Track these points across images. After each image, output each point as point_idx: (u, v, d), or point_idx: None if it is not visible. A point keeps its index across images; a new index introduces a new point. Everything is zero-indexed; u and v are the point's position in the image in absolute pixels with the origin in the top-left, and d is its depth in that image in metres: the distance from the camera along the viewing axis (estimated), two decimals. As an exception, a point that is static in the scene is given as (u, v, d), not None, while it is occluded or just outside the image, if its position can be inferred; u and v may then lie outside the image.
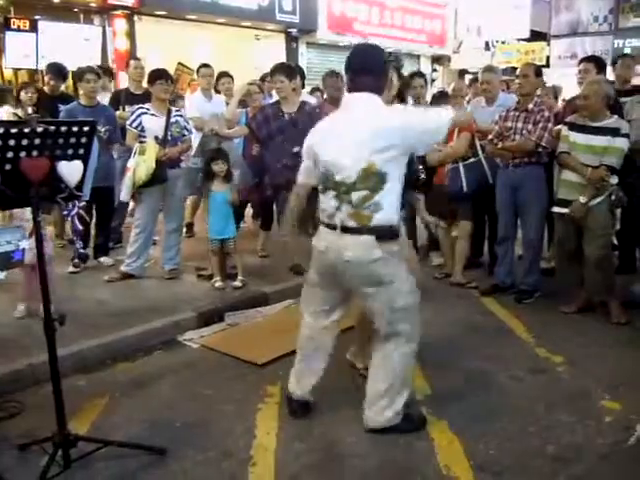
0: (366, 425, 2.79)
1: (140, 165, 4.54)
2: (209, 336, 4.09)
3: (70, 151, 2.32)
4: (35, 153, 2.22)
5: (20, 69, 9.48)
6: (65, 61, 7.24)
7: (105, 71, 6.77)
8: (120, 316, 4.16)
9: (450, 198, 5.04)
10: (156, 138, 4.74)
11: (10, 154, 2.15)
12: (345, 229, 2.58)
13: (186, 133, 5.04)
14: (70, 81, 9.89)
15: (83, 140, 2.34)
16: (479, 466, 2.55)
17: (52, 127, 2.21)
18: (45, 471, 2.37)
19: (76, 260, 5.21)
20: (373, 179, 2.48)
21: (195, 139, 5.33)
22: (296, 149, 4.89)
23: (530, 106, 4.46)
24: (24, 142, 2.16)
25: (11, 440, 2.78)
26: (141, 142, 4.71)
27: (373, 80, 2.59)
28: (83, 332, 3.76)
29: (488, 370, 3.48)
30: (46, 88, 6.23)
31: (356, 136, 2.51)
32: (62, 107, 5.58)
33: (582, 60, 4.95)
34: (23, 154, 2.19)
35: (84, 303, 4.37)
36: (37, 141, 2.20)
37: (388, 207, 2.54)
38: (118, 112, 5.82)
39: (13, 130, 2.12)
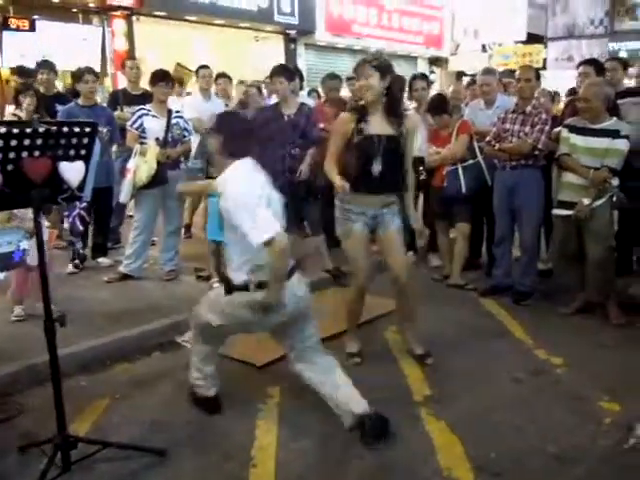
0: None
1: (141, 166, 4.54)
2: (208, 337, 4.08)
3: (72, 152, 2.32)
4: (37, 153, 2.22)
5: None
6: (64, 61, 7.29)
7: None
8: (119, 317, 4.16)
9: (448, 200, 5.05)
10: (157, 139, 4.74)
11: (12, 154, 2.15)
12: None
13: (186, 134, 5.04)
14: (69, 80, 9.98)
15: (85, 141, 2.34)
16: (479, 467, 2.55)
17: (54, 127, 2.21)
18: (44, 473, 2.37)
19: (76, 261, 5.21)
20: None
21: (195, 140, 5.31)
22: (295, 151, 4.92)
23: (528, 109, 4.47)
24: (26, 142, 2.16)
25: (11, 442, 2.77)
26: (141, 143, 4.71)
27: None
28: (82, 333, 3.75)
29: (487, 371, 3.49)
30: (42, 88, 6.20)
31: None
32: (59, 107, 5.58)
33: (581, 63, 4.97)
34: (25, 154, 2.19)
35: (83, 304, 4.36)
36: (39, 141, 2.20)
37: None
38: (116, 112, 5.82)
39: (15, 130, 2.11)
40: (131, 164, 4.65)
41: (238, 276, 2.67)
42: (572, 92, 7.50)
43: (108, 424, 2.95)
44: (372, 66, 3.31)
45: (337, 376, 2.84)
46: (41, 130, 2.17)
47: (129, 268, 4.98)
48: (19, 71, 6.61)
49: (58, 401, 2.44)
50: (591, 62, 4.95)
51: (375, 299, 4.04)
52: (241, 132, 2.80)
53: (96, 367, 3.58)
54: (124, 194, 4.68)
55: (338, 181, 3.32)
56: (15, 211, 3.56)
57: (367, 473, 2.55)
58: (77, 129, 2.29)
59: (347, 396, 2.78)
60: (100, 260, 5.40)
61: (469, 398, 3.17)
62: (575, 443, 2.74)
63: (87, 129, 2.32)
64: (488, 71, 5.46)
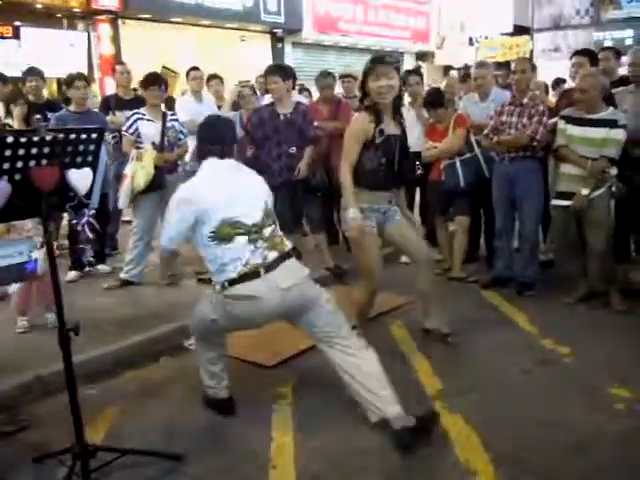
0: None
1: (138, 171, 4.51)
2: (214, 340, 4.07)
3: (79, 159, 2.30)
4: (44, 162, 2.20)
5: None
6: (50, 68, 7.21)
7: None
8: (124, 323, 4.13)
9: (447, 194, 5.06)
10: (153, 144, 4.71)
11: (20, 163, 2.13)
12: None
13: (182, 137, 5.02)
14: (54, 87, 9.89)
15: (91, 147, 2.32)
16: (498, 459, 2.56)
17: (61, 135, 2.19)
18: (65, 483, 2.35)
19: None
20: (272, 215, 2.94)
21: (191, 143, 5.28)
22: (292, 150, 4.92)
23: (525, 100, 4.49)
24: (33, 151, 2.14)
25: (24, 453, 2.75)
26: (138, 148, 4.68)
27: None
28: (88, 341, 3.70)
29: (496, 363, 3.51)
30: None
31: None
32: (50, 114, 5.53)
33: (575, 53, 4.98)
34: (32, 163, 2.17)
35: (86, 312, 4.31)
36: (46, 149, 2.18)
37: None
38: (109, 117, 5.79)
39: (23, 139, 2.09)
40: (128, 169, 4.62)
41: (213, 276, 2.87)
42: (557, 82, 7.55)
43: (122, 432, 2.94)
44: (394, 67, 3.34)
45: (370, 366, 2.83)
46: (48, 138, 2.15)
47: (130, 274, 4.95)
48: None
49: (75, 410, 2.42)
50: (585, 52, 4.97)
51: (381, 295, 4.04)
52: (205, 134, 2.98)
53: (104, 375, 3.56)
54: (122, 200, 4.65)
55: (352, 213, 3.29)
56: (13, 222, 3.54)
57: (387, 470, 2.55)
58: (84, 135, 2.27)
59: (380, 394, 2.78)
60: (99, 267, 5.36)
61: (480, 390, 3.19)
62: (590, 431, 2.76)
63: (94, 135, 2.31)
64: (482, 64, 5.48)
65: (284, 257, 2.80)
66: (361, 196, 3.40)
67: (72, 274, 5.10)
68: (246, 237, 2.73)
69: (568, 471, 2.50)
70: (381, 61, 3.35)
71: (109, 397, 3.30)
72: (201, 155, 2.93)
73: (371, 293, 3.68)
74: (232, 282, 2.71)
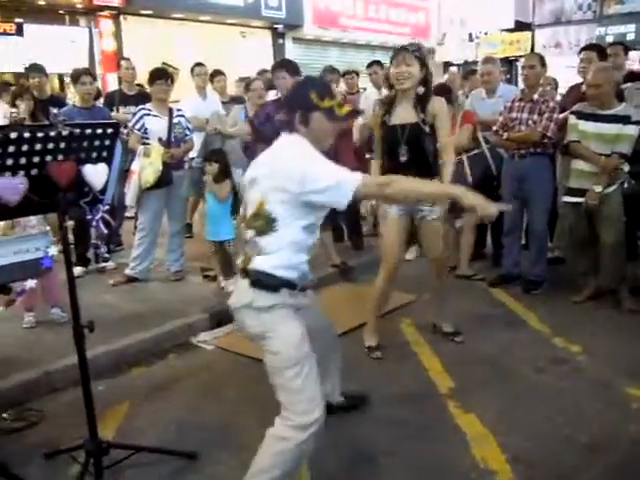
0: None
1: (146, 168, 4.47)
2: (222, 337, 4.05)
3: (94, 154, 2.27)
4: (60, 157, 2.17)
5: (5, 73, 9.32)
6: (52, 64, 7.16)
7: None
8: (131, 320, 4.11)
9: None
10: (160, 140, 4.67)
11: (36, 158, 2.10)
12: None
13: (188, 133, 4.98)
14: (56, 83, 9.85)
15: (107, 142, 2.29)
16: (514, 458, 2.54)
17: (77, 130, 2.16)
18: (79, 480, 2.33)
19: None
20: (261, 219, 2.13)
21: (196, 139, 5.25)
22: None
23: (535, 97, 4.46)
24: (50, 146, 2.11)
25: (34, 449, 2.73)
26: (144, 144, 4.64)
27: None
28: (96, 338, 3.65)
29: (508, 361, 3.49)
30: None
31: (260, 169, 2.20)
32: (54, 110, 5.49)
33: (583, 49, 4.96)
34: (49, 158, 2.14)
35: (92, 308, 4.25)
36: (62, 145, 2.15)
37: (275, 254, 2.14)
38: (113, 113, 5.75)
39: (39, 134, 2.06)
40: (135, 166, 4.59)
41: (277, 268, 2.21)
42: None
43: (132, 429, 2.91)
44: (414, 56, 3.33)
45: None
46: (65, 133, 2.12)
47: (135, 270, 4.92)
48: None
49: (89, 407, 2.39)
50: (593, 47, 4.95)
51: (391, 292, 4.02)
52: None
53: (113, 372, 3.54)
54: (130, 196, 4.62)
55: None
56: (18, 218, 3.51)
57: (401, 470, 2.53)
58: (99, 130, 2.24)
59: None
60: (105, 263, 5.33)
61: (493, 389, 3.17)
62: (605, 430, 2.75)
63: (109, 130, 2.28)
64: (489, 60, 5.44)
65: None
66: None
67: (77, 270, 5.06)
68: None
69: (584, 470, 2.48)
70: (401, 49, 3.40)
71: (117, 394, 3.28)
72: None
73: (388, 276, 3.60)
74: None
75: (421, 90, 3.40)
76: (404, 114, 3.45)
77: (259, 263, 2.13)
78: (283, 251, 2.13)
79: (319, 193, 2.02)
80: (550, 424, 2.81)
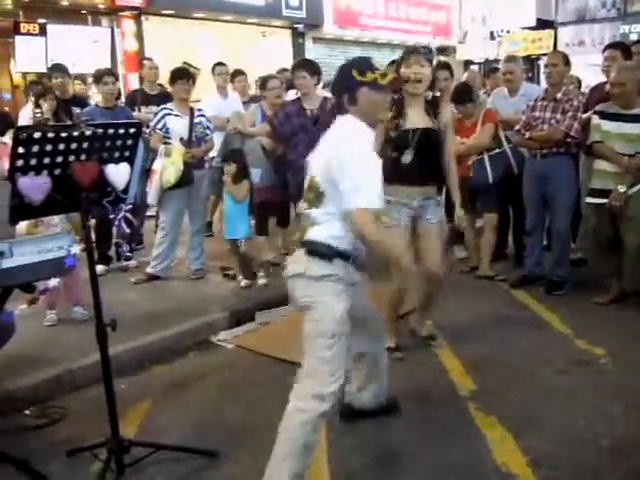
0: None
1: (168, 168, 4.51)
2: (242, 336, 4.07)
3: (117, 154, 2.29)
4: (83, 157, 2.19)
5: (29, 73, 9.46)
6: (75, 64, 7.25)
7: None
8: (151, 318, 4.14)
9: (475, 190, 4.99)
10: (181, 139, 4.70)
11: (60, 158, 2.12)
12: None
13: (209, 133, 5.00)
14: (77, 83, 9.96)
15: (129, 142, 2.31)
16: (535, 462, 2.51)
17: (100, 130, 2.19)
18: (100, 478, 2.35)
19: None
20: (312, 191, 2.29)
21: (217, 139, 5.27)
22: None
23: (559, 95, 4.41)
24: (73, 146, 2.13)
25: (57, 446, 2.76)
26: (166, 144, 4.68)
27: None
28: (118, 335, 3.69)
29: (530, 363, 3.45)
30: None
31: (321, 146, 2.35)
32: (76, 110, 5.56)
33: (607, 47, 4.88)
34: (72, 158, 2.16)
35: (114, 306, 4.31)
36: (85, 145, 2.17)
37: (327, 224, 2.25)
38: (135, 113, 5.81)
39: (63, 134, 2.08)
40: (157, 165, 4.62)
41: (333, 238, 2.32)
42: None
43: (154, 427, 2.93)
44: (426, 58, 3.29)
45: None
46: (88, 133, 2.14)
47: (157, 269, 4.96)
48: None
49: (111, 405, 2.42)
50: (618, 45, 4.87)
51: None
52: None
53: (134, 370, 3.57)
54: (152, 195, 4.66)
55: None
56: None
57: (423, 471, 2.52)
58: (122, 130, 2.26)
59: None
60: (126, 262, 5.39)
61: (515, 391, 3.13)
62: (628, 433, 2.70)
63: (131, 130, 2.29)
64: (512, 59, 5.38)
65: None
66: (385, 189, 3.33)
67: (99, 268, 5.11)
68: None
69: (607, 474, 2.45)
70: (414, 50, 3.36)
71: (138, 392, 3.31)
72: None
73: (399, 288, 3.55)
74: None
75: (429, 95, 3.38)
76: (416, 118, 3.38)
77: (314, 233, 2.26)
78: (334, 222, 2.24)
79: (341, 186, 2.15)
80: (572, 427, 2.77)
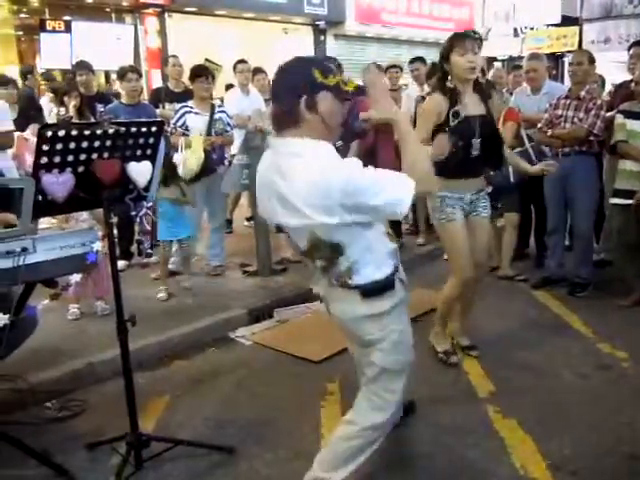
0: None
1: (190, 158, 4.53)
2: (261, 333, 4.09)
3: (139, 151, 2.31)
4: (106, 155, 2.21)
5: (54, 70, 9.58)
6: (99, 61, 7.32)
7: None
8: (170, 314, 4.18)
9: (496, 189, 4.93)
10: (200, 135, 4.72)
11: (83, 156, 2.15)
12: None
13: (228, 129, 5.02)
14: (102, 80, 10.08)
15: (151, 140, 2.33)
16: (555, 466, 2.48)
17: (122, 128, 2.20)
18: (120, 472, 2.38)
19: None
20: (322, 249, 1.91)
21: (237, 136, 5.29)
22: (339, 143, 4.86)
23: (582, 94, 4.34)
24: (96, 144, 2.16)
25: (77, 439, 2.80)
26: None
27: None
28: (136, 331, 3.75)
29: (551, 366, 3.41)
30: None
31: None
32: (100, 107, 5.61)
33: (633, 44, 4.79)
34: (95, 156, 2.19)
35: (134, 301, 4.34)
36: (108, 142, 2.19)
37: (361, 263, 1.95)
38: (159, 110, 5.85)
39: (86, 132, 2.11)
40: (177, 158, 4.64)
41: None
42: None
43: (172, 422, 2.96)
44: (477, 43, 3.12)
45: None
46: (111, 131, 2.16)
47: (175, 265, 5.00)
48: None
49: (130, 400, 2.44)
50: (643, 43, 4.78)
51: (423, 292, 3.97)
52: None
53: (153, 365, 3.60)
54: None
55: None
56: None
57: (438, 473, 2.50)
58: (144, 129, 2.27)
59: None
60: (147, 258, 5.44)
61: (535, 394, 3.10)
62: (651, 440, 2.66)
63: (154, 128, 2.31)
64: (535, 56, 5.30)
65: None
66: (448, 184, 3.11)
67: (120, 264, 5.17)
68: None
69: (629, 480, 2.42)
70: (467, 35, 3.14)
71: (157, 387, 3.34)
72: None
73: (463, 288, 3.36)
74: None
75: (483, 79, 3.28)
76: (473, 106, 3.20)
77: (356, 280, 1.95)
78: (367, 256, 1.94)
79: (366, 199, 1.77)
80: (592, 431, 2.73)
